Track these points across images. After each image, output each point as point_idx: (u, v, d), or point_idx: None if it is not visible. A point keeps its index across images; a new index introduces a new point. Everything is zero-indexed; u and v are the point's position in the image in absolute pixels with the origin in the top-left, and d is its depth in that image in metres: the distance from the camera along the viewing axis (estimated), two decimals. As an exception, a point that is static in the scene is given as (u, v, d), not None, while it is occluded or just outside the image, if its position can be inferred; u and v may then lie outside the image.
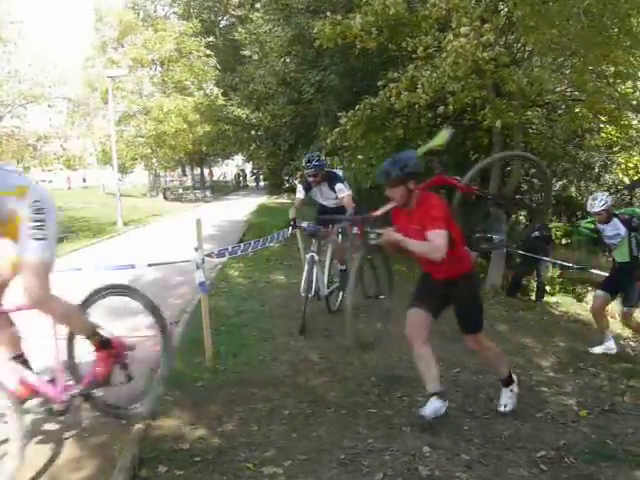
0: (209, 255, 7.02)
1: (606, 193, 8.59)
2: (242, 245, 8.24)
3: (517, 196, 11.88)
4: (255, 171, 53.67)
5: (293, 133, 21.13)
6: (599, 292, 8.48)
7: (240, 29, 25.93)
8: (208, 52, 35.49)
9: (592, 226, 8.33)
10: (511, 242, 12.64)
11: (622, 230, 7.80)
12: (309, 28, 14.96)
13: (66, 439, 4.70)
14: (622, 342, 9.55)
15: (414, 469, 4.14)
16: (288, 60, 19.79)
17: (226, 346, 6.71)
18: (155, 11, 41.96)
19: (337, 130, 12.18)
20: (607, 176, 16.78)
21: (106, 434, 4.80)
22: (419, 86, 10.22)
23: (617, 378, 7.07)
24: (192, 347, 6.65)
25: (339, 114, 12.26)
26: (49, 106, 19.25)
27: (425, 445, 4.50)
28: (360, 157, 12.28)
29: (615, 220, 7.86)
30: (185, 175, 55.10)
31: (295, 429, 4.78)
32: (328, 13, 11.26)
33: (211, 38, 36.33)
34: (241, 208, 28.41)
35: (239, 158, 60.93)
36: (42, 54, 18.90)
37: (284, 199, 35.85)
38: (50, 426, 4.94)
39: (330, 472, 4.09)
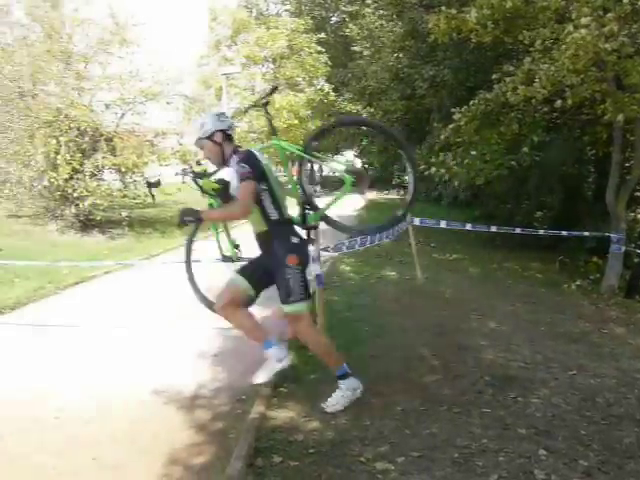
0: (325, 249, 7.09)
1: None
2: (359, 239, 8.31)
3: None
4: (365, 167, 53.70)
5: (405, 128, 21.02)
6: None
7: (351, 25, 25.97)
8: (319, 48, 35.74)
9: None
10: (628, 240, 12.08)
11: None
12: (423, 23, 14.88)
13: (187, 426, 4.92)
14: None
15: (529, 472, 4.06)
16: (401, 55, 19.72)
17: (338, 341, 6.75)
18: (267, 9, 42.77)
19: (451, 126, 12.03)
20: None
21: (223, 422, 4.99)
22: (536, 80, 9.94)
23: None
24: (306, 341, 6.76)
25: (452, 109, 12.10)
26: (167, 103, 19.88)
27: (541, 448, 4.41)
28: (473, 153, 12.06)
29: None
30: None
31: (408, 426, 4.78)
32: (442, 7, 11.12)
33: (322, 34, 36.55)
34: (351, 203, 28.47)
35: (350, 154, 61.16)
36: (161, 53, 19.58)
37: (394, 195, 35.75)
38: (172, 412, 5.20)
39: (444, 471, 4.07)
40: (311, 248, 6.33)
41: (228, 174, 5.10)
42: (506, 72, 10.91)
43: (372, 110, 22.35)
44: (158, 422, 5.01)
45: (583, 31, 8.87)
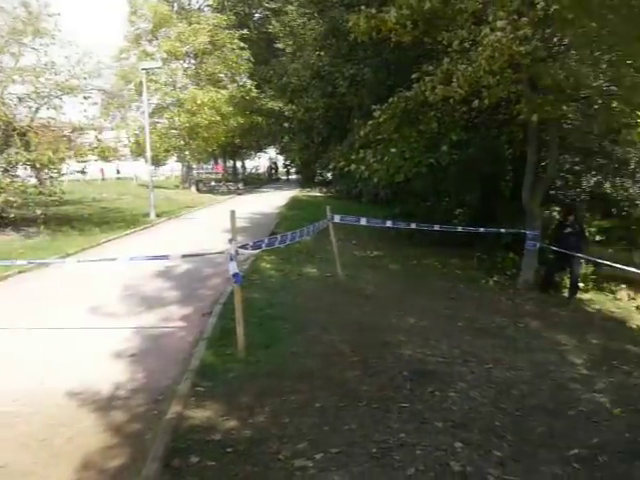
0: (243, 247, 7.06)
1: None
2: (278, 237, 8.31)
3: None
4: (287, 163, 53.71)
5: (326, 126, 21.14)
6: None
7: (274, 22, 25.98)
8: (242, 45, 35.45)
9: None
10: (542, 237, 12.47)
11: None
12: (343, 22, 14.94)
13: (102, 429, 4.80)
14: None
15: (445, 464, 4.14)
16: (322, 53, 19.82)
17: (258, 338, 6.73)
18: (189, 4, 42.07)
19: (370, 123, 12.13)
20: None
21: (139, 423, 4.90)
22: (454, 80, 10.15)
23: (653, 378, 7.01)
24: (224, 338, 6.71)
25: (373, 107, 12.21)
26: (84, 97, 19.36)
27: (457, 441, 4.50)
28: (393, 150, 12.19)
29: None
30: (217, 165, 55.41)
31: (327, 422, 4.79)
32: (362, 7, 11.20)
33: (245, 31, 36.32)
34: (273, 201, 28.45)
35: (272, 151, 61.11)
36: (78, 46, 19.03)
37: (316, 192, 35.86)
38: (84, 415, 5.07)
39: (361, 466, 4.10)
40: (228, 246, 6.30)
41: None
42: (425, 72, 11.07)
43: (294, 107, 22.39)
44: (72, 425, 4.85)
45: (499, 34, 9.11)
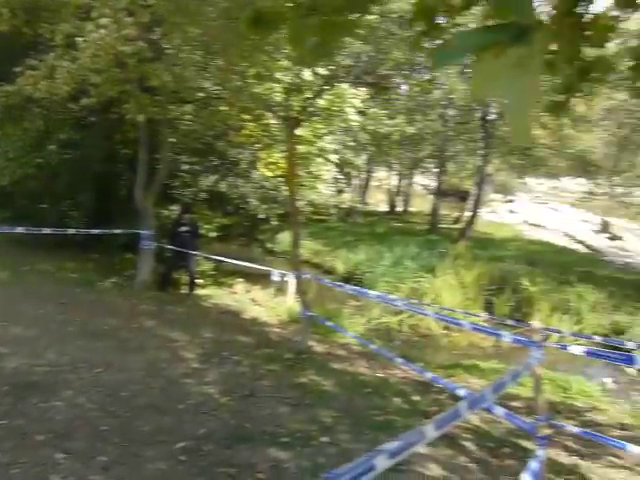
0: None
1: None
2: None
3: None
4: None
5: None
6: None
7: None
8: None
9: None
10: (159, 236, 12.63)
11: None
12: None
13: None
14: (266, 329, 10.17)
15: (45, 479, 3.91)
16: None
17: None
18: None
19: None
20: (255, 172, 17.63)
21: None
22: (58, 76, 9.72)
23: (258, 364, 7.52)
24: None
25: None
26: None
27: (59, 452, 4.31)
28: (-5, 150, 11.34)
29: None
30: None
31: None
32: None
33: None
34: None
35: None
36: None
37: None
38: None
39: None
40: None
41: None
42: (29, 65, 10.43)
43: None
44: None
45: (103, 31, 8.95)
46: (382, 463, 2.03)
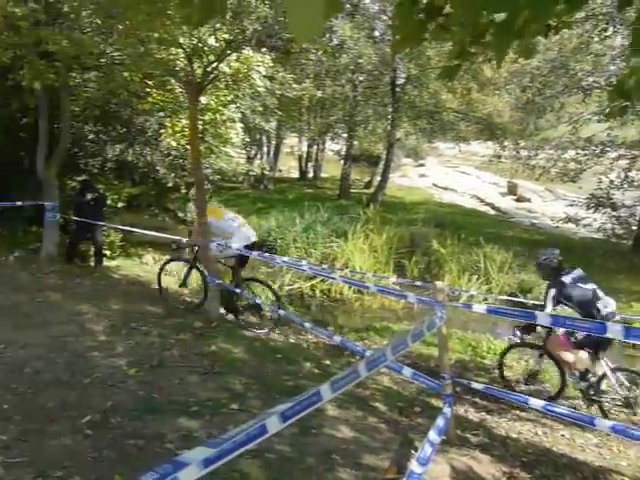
0: None
1: None
2: None
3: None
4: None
5: None
6: None
7: None
8: None
9: None
10: (65, 208, 12.25)
11: None
12: None
13: None
14: (177, 299, 10.06)
15: None
16: None
17: None
18: None
19: None
20: (163, 140, 17.28)
21: None
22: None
23: (167, 334, 7.46)
24: None
25: None
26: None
27: (-44, 433, 4.17)
28: None
29: None
30: None
31: None
32: None
33: None
34: None
35: None
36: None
37: None
38: None
39: None
40: None
41: None
42: None
43: None
44: None
45: (-11, -8, 8.54)
46: (274, 425, 2.05)
